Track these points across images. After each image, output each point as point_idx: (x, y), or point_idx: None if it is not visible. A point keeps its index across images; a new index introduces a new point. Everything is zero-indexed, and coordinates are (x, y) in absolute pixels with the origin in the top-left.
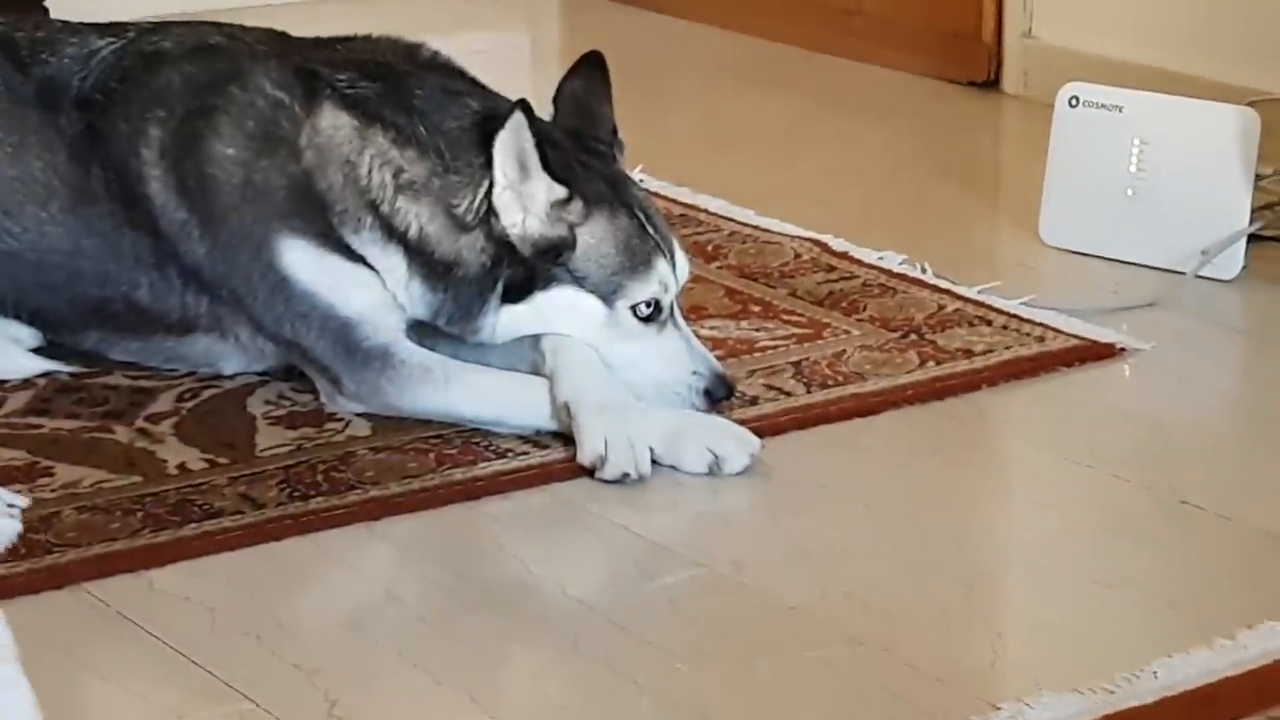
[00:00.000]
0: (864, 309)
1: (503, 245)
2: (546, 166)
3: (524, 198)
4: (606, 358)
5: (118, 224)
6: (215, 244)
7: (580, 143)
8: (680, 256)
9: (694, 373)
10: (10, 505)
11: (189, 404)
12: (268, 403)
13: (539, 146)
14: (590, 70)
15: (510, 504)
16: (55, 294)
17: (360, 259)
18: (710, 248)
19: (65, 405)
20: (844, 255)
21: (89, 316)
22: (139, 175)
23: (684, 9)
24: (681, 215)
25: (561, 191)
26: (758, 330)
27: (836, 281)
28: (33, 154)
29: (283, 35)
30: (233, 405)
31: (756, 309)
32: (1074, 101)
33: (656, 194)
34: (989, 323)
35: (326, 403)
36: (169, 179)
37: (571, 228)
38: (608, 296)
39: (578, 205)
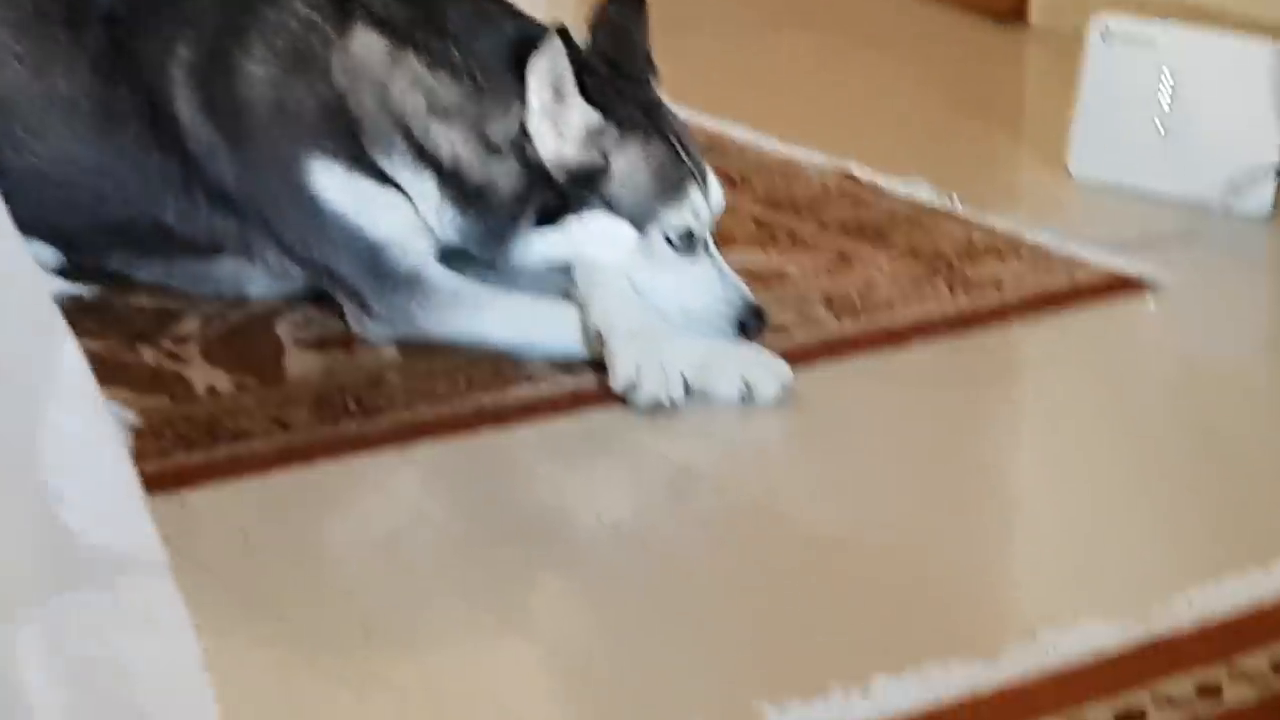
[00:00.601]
0: (892, 239)
1: (536, 171)
2: (583, 92)
3: (559, 123)
4: (638, 285)
5: (145, 144)
6: (244, 165)
7: (616, 70)
8: (714, 186)
9: (726, 302)
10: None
11: (216, 326)
12: (295, 325)
13: (576, 72)
14: None
15: (541, 430)
16: (80, 214)
17: (391, 181)
18: (738, 177)
19: (90, 326)
20: (871, 185)
21: (114, 237)
22: (167, 95)
23: None
24: (707, 144)
25: (596, 117)
26: (787, 260)
27: (865, 211)
28: (58, 71)
29: None
30: (260, 328)
31: (784, 238)
32: (1105, 33)
33: None
34: (1017, 254)
35: (354, 327)
36: (197, 99)
37: (605, 154)
38: (641, 223)
39: (613, 131)
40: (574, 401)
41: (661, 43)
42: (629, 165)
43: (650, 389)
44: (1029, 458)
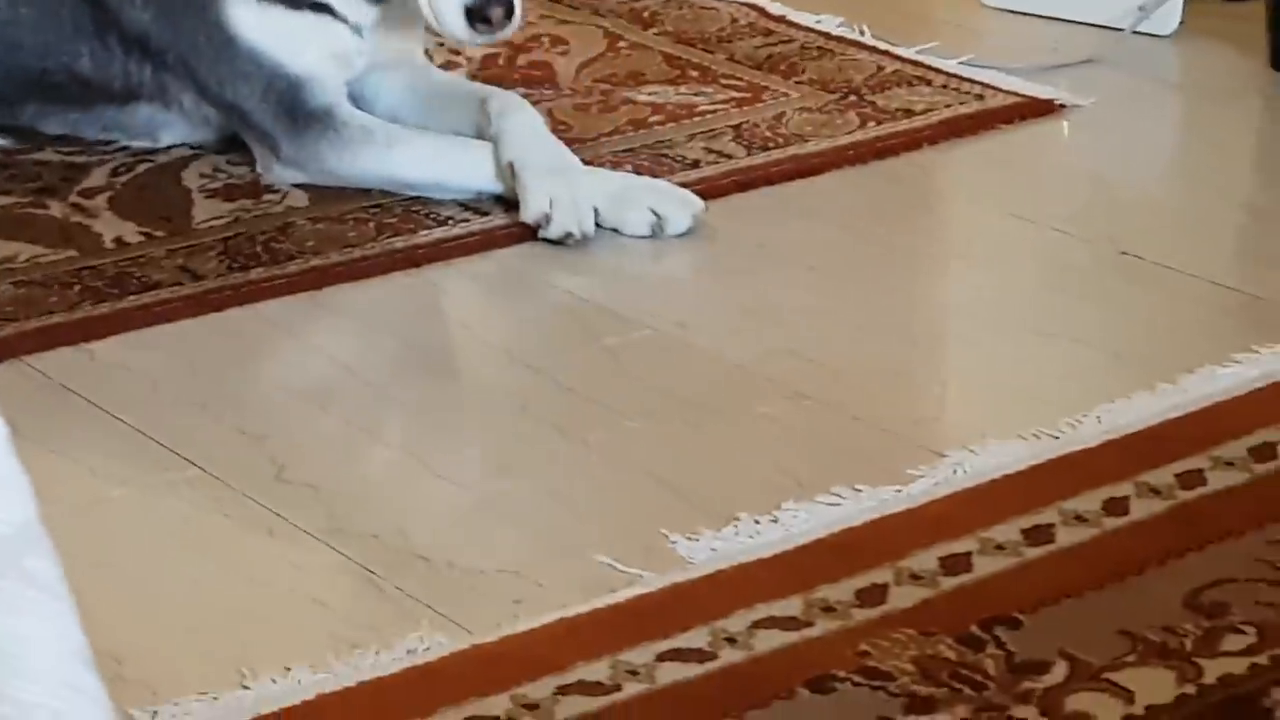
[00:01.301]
0: (803, 71)
1: None
2: None
3: None
4: None
5: None
6: (160, 7)
7: None
8: None
9: None
10: None
11: (123, 178)
12: (203, 175)
13: None
14: None
15: (453, 271)
16: None
17: (301, 4)
18: (646, 14)
19: None
20: (781, 19)
21: (28, 88)
22: None
23: None
24: None
25: None
26: (696, 95)
27: (774, 45)
28: None
29: None
30: (168, 178)
31: (695, 74)
32: None
33: None
34: (928, 83)
35: (263, 173)
36: None
37: None
38: None
39: None
40: (485, 242)
41: None
42: None
43: (562, 221)
44: (940, 285)
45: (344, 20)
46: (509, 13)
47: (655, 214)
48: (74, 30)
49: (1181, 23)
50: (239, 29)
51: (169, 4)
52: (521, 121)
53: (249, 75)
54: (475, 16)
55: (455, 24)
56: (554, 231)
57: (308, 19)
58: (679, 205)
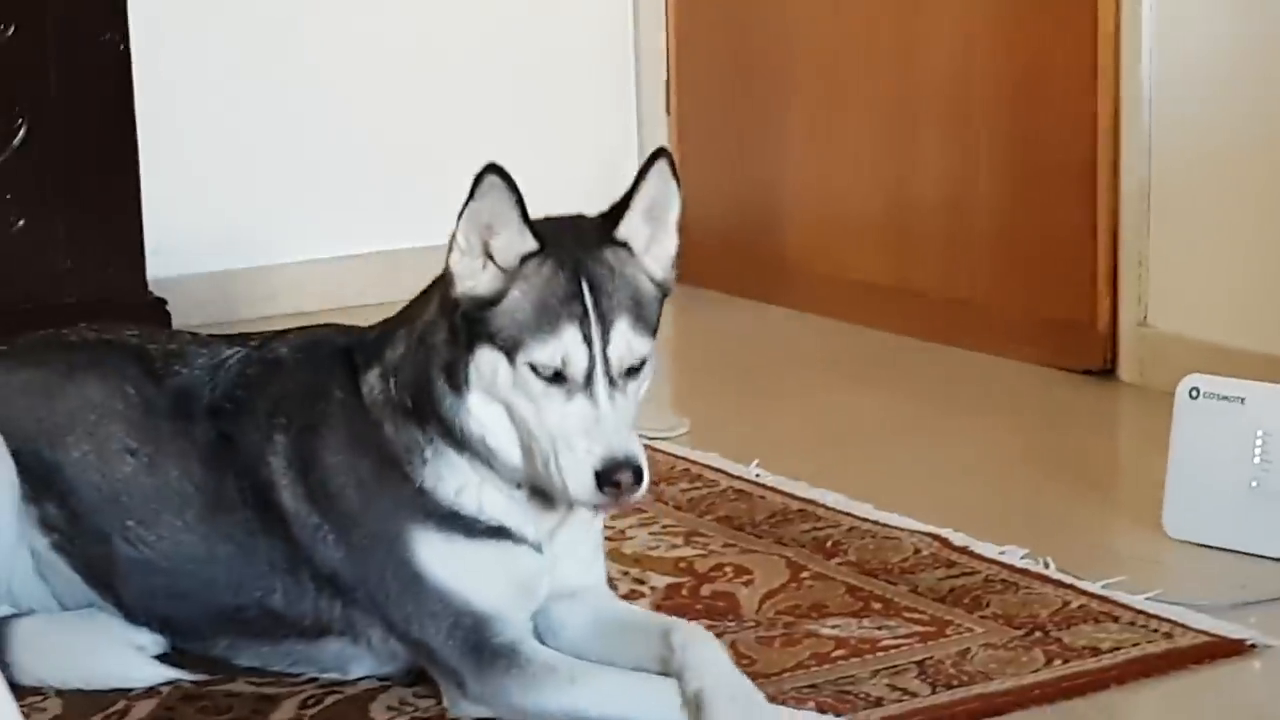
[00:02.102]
0: (987, 605)
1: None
2: (526, 222)
3: (493, 252)
4: (514, 414)
5: (251, 531)
6: (350, 547)
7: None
8: (617, 339)
9: (594, 448)
10: None
11: (312, 710)
12: (390, 709)
13: (518, 202)
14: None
15: None
16: (188, 601)
17: (479, 531)
18: (830, 544)
19: (189, 714)
20: (964, 550)
21: (222, 623)
22: (269, 482)
23: (795, 300)
24: (800, 510)
25: (533, 245)
26: (879, 629)
27: (958, 577)
28: (170, 463)
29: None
30: (356, 711)
31: (878, 606)
32: (1194, 393)
33: (774, 488)
34: (1115, 619)
35: (449, 707)
36: (298, 487)
37: (510, 279)
38: (511, 353)
39: (533, 262)
40: None
41: (744, 404)
42: (520, 293)
43: None
44: None
45: (523, 540)
46: (638, 478)
47: None
48: (268, 567)
49: None
50: (424, 565)
51: (359, 542)
52: (706, 655)
53: (435, 613)
54: (604, 481)
55: (584, 489)
56: None
57: (488, 547)
58: None
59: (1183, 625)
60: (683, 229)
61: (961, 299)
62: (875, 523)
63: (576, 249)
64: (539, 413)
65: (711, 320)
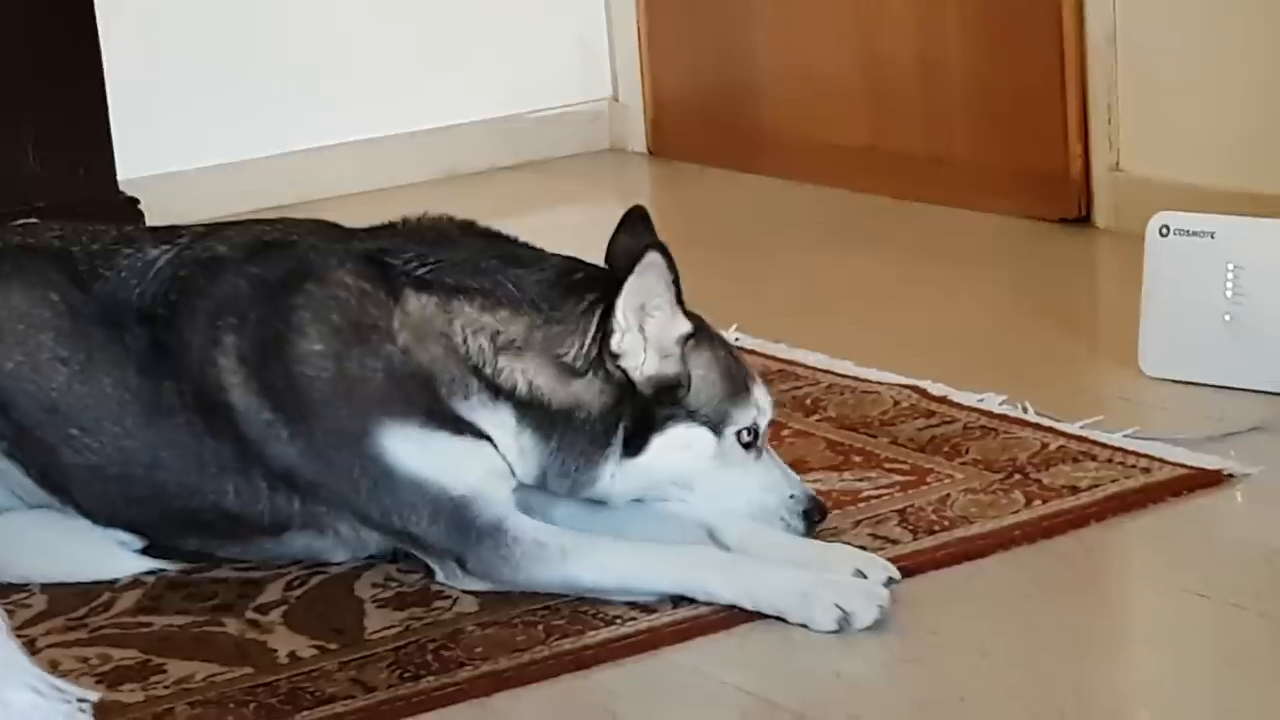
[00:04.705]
0: (966, 452)
1: (621, 387)
2: (679, 303)
3: (648, 335)
4: (711, 489)
5: (196, 433)
6: (309, 443)
7: None
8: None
9: (791, 496)
10: (82, 700)
11: (297, 591)
12: (374, 585)
13: (674, 284)
14: (638, 224)
15: (621, 671)
16: (144, 506)
17: (468, 427)
18: (809, 401)
19: (174, 602)
20: (943, 399)
21: (182, 525)
22: (217, 384)
23: (773, 168)
24: (779, 370)
25: (688, 327)
26: (860, 480)
27: (937, 426)
28: (103, 371)
29: (334, 225)
30: (340, 590)
31: (858, 459)
32: (1164, 230)
33: (752, 351)
34: (1093, 458)
35: (448, 581)
36: (252, 384)
37: (684, 361)
38: (717, 426)
39: (691, 340)
40: (651, 641)
41: (725, 273)
42: (704, 371)
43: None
44: (1114, 668)
45: (502, 458)
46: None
47: (841, 610)
48: (217, 469)
49: None
50: (399, 461)
51: (322, 438)
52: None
53: (414, 503)
54: (810, 521)
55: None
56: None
57: (467, 443)
58: (864, 599)
59: (1160, 460)
60: (657, 102)
61: (937, 157)
62: (854, 378)
63: (697, 319)
64: (740, 480)
65: (688, 192)
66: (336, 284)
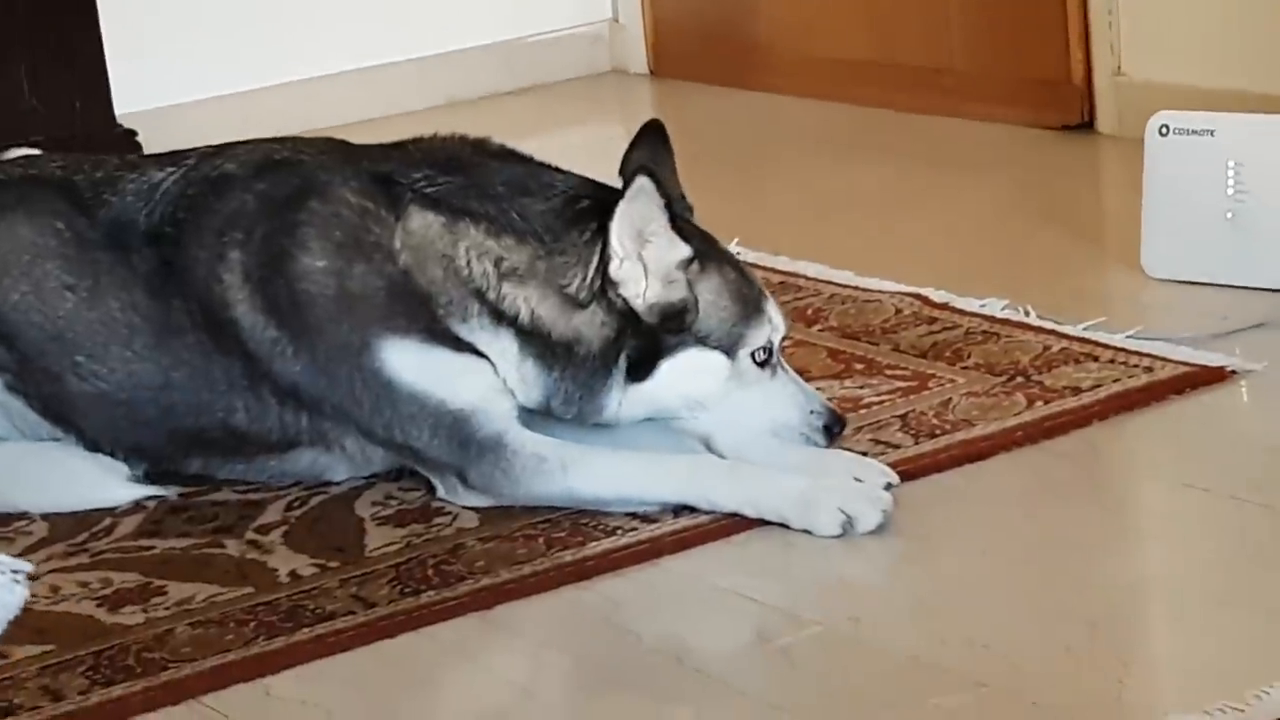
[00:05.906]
0: (968, 357)
1: (624, 316)
2: (675, 227)
3: (647, 262)
4: (729, 411)
5: (205, 352)
6: (312, 358)
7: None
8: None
9: (811, 411)
10: (15, 572)
11: (297, 512)
12: (375, 504)
13: (667, 208)
14: (653, 139)
15: (622, 581)
16: (151, 428)
17: (468, 347)
18: (810, 311)
19: (175, 525)
20: (945, 306)
21: (189, 446)
22: (223, 300)
23: (774, 84)
24: (780, 282)
25: (687, 251)
26: (862, 388)
27: (939, 332)
28: (111, 295)
29: (345, 144)
30: (341, 509)
31: (860, 367)
32: (1164, 130)
33: (754, 264)
34: (1095, 358)
35: (449, 497)
36: (256, 300)
37: (691, 287)
38: (731, 348)
39: (695, 264)
40: (653, 550)
41: (727, 187)
42: (714, 294)
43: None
44: (1116, 561)
45: (500, 378)
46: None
47: (845, 514)
48: (226, 387)
49: None
50: (399, 374)
51: (325, 353)
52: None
53: (414, 416)
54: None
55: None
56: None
57: (467, 360)
58: (868, 503)
59: (1163, 359)
60: (657, 22)
61: (939, 67)
62: (856, 288)
63: (697, 232)
64: (760, 400)
65: (690, 111)
66: (340, 201)
